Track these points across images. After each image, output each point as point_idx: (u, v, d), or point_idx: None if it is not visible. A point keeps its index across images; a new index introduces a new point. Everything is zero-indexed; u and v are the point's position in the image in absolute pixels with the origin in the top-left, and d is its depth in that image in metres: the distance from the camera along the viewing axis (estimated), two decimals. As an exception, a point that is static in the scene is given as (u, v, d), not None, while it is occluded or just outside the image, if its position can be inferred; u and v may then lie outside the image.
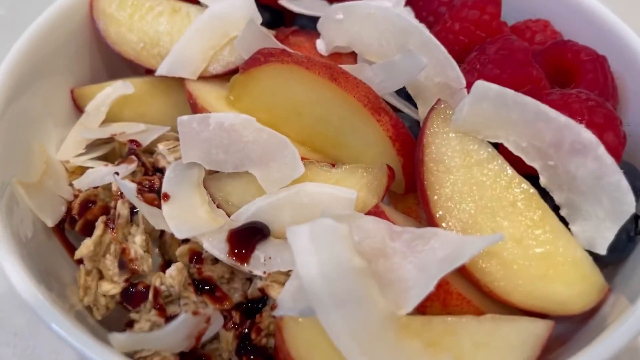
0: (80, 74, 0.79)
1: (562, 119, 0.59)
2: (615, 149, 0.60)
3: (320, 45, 0.74)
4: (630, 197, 0.58)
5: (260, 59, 0.66)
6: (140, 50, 0.75)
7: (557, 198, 0.61)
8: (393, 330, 0.53)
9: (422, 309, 0.59)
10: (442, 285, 0.57)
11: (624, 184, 0.58)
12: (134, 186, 0.60)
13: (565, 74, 0.71)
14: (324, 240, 0.53)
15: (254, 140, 0.65)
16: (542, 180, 0.61)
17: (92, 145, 0.74)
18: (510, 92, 0.59)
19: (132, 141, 0.69)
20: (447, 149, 0.61)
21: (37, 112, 0.71)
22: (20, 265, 0.52)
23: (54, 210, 0.65)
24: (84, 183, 0.67)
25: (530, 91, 0.66)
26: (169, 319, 0.60)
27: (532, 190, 0.61)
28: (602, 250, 0.59)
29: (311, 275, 0.52)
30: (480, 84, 0.59)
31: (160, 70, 0.71)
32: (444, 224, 0.59)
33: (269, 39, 0.68)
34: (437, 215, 0.59)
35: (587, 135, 0.58)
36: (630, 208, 0.58)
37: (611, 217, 0.59)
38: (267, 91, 0.67)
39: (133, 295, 0.61)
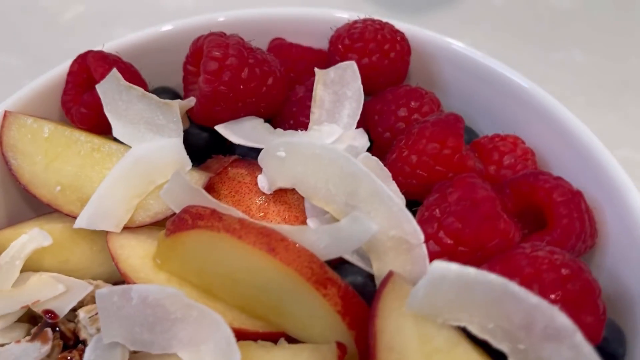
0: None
1: (533, 300, 0.51)
2: (595, 331, 0.52)
3: (262, 182, 0.65)
4: (611, 391, 0.50)
5: (187, 221, 0.57)
6: (57, 194, 0.66)
7: (532, 384, 0.53)
8: None
9: None
10: None
11: (605, 376, 0.50)
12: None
13: (536, 209, 0.64)
14: None
15: (183, 318, 0.56)
16: (513, 364, 0.53)
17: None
18: (472, 271, 0.51)
19: (47, 312, 0.61)
20: (402, 334, 0.53)
21: None
22: None
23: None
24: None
25: (497, 245, 0.59)
26: None
27: (502, 380, 0.53)
28: None
29: None
30: (437, 266, 0.51)
31: (79, 223, 0.62)
32: None
33: (198, 193, 0.59)
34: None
35: (562, 320, 0.50)
36: (611, 401, 0.50)
37: (591, 410, 0.51)
38: (197, 257, 0.58)
39: None
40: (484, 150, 0.70)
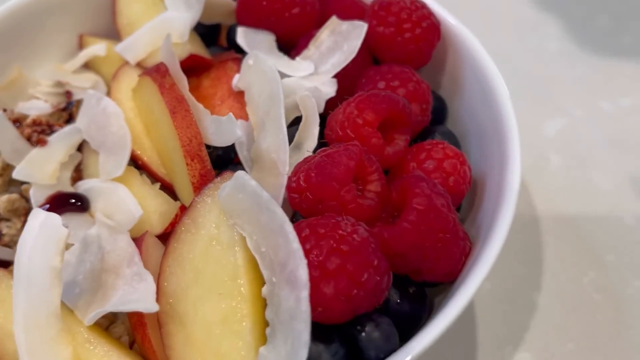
0: (97, 26, 0.96)
1: (295, 245, 0.57)
2: (329, 307, 0.56)
3: (235, 79, 0.78)
4: (304, 352, 0.54)
5: (152, 69, 0.75)
6: (125, 26, 0.88)
7: (268, 314, 0.60)
8: (56, 330, 0.61)
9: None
10: (142, 325, 0.63)
11: (305, 337, 0.54)
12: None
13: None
14: (47, 231, 0.63)
15: (115, 132, 0.75)
16: (264, 291, 0.60)
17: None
18: (265, 196, 0.59)
19: (67, 91, 0.85)
20: (204, 215, 0.64)
21: (40, 40, 0.91)
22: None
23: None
24: (22, 107, 0.85)
25: (335, 206, 0.64)
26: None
27: (248, 295, 0.61)
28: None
29: (23, 252, 0.63)
30: (240, 175, 0.60)
31: (117, 48, 0.84)
32: (163, 276, 0.63)
33: (172, 57, 0.75)
34: (164, 264, 0.63)
35: (302, 273, 0.56)
36: (300, 361, 0.55)
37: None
38: (144, 97, 0.76)
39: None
40: (420, 149, 0.71)
